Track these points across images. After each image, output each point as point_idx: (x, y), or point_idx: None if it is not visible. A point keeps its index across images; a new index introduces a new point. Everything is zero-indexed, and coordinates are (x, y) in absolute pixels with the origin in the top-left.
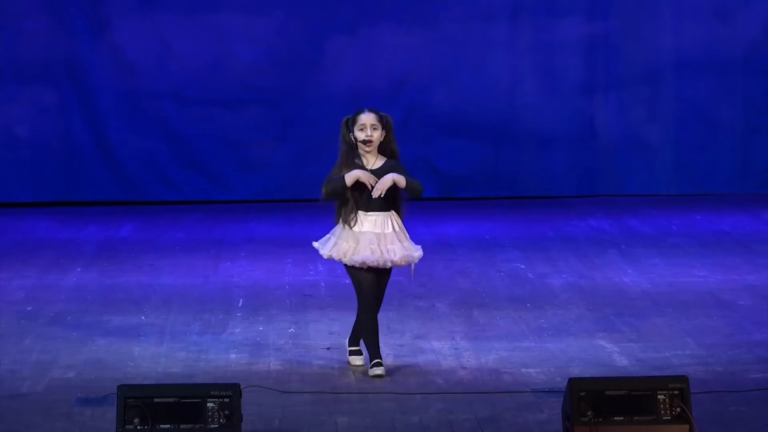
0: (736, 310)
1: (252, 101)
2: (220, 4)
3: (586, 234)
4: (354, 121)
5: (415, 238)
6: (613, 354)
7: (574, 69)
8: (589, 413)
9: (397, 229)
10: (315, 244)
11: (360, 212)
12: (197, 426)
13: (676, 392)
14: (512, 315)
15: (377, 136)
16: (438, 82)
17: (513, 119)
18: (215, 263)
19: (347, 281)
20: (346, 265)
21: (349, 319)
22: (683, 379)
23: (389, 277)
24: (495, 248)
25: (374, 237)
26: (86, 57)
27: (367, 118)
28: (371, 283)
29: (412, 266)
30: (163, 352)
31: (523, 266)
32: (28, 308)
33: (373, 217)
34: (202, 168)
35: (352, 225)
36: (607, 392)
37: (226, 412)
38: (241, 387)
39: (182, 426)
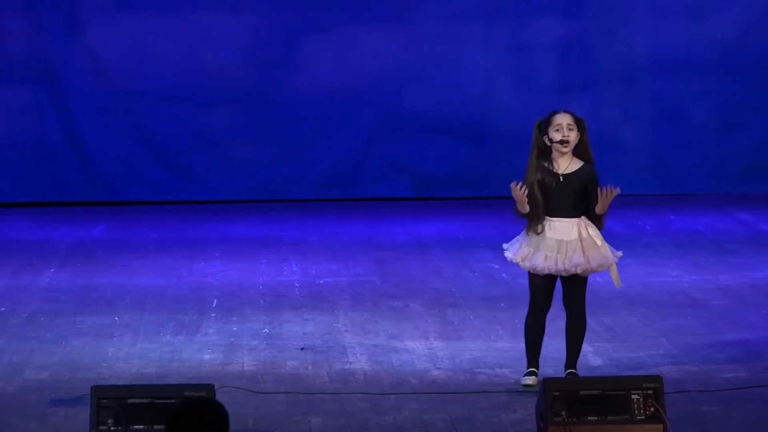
0: (710, 310)
1: (227, 101)
2: (196, 4)
3: None
4: (548, 123)
5: (389, 238)
6: (587, 354)
7: (550, 69)
8: (563, 413)
9: (584, 236)
10: (504, 246)
11: (546, 218)
12: None
13: (649, 392)
14: (486, 315)
15: (574, 137)
16: (413, 82)
17: (488, 119)
18: (189, 263)
19: (321, 281)
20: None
21: (322, 319)
22: (657, 378)
23: (581, 285)
24: (469, 248)
25: (554, 244)
26: (62, 57)
27: (563, 119)
28: (540, 289)
29: (612, 273)
30: (136, 352)
31: (497, 266)
32: (1, 309)
33: (559, 223)
34: (176, 168)
35: (537, 232)
36: (581, 392)
37: None
38: (215, 387)
39: (156, 427)
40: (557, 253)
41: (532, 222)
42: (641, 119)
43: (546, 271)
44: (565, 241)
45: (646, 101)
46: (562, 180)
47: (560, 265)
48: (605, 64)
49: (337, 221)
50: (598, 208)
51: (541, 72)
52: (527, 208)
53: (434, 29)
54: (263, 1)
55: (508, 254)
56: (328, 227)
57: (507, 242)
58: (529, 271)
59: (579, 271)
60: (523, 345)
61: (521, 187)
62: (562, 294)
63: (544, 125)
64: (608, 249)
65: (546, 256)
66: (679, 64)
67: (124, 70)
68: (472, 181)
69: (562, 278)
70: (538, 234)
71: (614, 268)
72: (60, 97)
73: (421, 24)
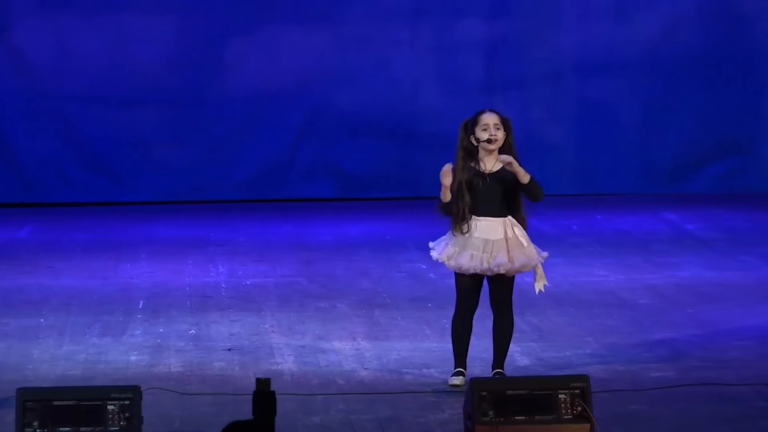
0: (637, 309)
1: (153, 102)
2: (121, 4)
3: None
4: (475, 122)
5: (316, 239)
6: (514, 353)
7: (476, 69)
8: (490, 413)
9: (510, 235)
10: (431, 245)
11: (473, 217)
12: (97, 429)
13: (577, 391)
14: (414, 315)
15: (501, 136)
16: (340, 83)
17: (415, 119)
18: (115, 265)
19: (248, 282)
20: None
21: (249, 320)
22: (584, 378)
23: (508, 284)
24: (396, 248)
25: (481, 243)
26: None
27: (489, 118)
28: (467, 288)
29: (536, 274)
30: (62, 354)
31: (424, 266)
32: None
33: (485, 223)
34: (102, 169)
35: (464, 232)
36: (509, 392)
37: (127, 414)
38: (142, 389)
39: (82, 429)
40: (483, 252)
41: (458, 221)
42: (567, 119)
43: (471, 271)
44: (491, 241)
45: (571, 101)
46: (488, 179)
47: (485, 265)
48: (531, 65)
49: (264, 222)
50: (519, 178)
51: (467, 72)
52: (449, 196)
53: (360, 30)
54: (189, 1)
55: (434, 253)
56: (254, 228)
57: (434, 241)
58: (455, 271)
59: (502, 271)
60: (450, 345)
61: (452, 169)
62: (489, 293)
63: (471, 125)
64: (534, 249)
65: (472, 255)
66: (604, 64)
67: (49, 70)
68: (399, 182)
69: (489, 278)
70: (464, 234)
71: (539, 269)
72: None
73: (348, 25)
